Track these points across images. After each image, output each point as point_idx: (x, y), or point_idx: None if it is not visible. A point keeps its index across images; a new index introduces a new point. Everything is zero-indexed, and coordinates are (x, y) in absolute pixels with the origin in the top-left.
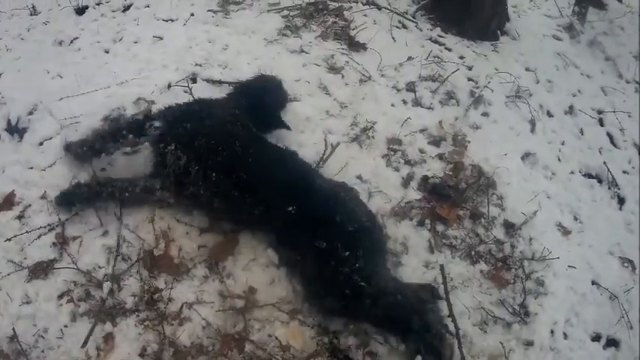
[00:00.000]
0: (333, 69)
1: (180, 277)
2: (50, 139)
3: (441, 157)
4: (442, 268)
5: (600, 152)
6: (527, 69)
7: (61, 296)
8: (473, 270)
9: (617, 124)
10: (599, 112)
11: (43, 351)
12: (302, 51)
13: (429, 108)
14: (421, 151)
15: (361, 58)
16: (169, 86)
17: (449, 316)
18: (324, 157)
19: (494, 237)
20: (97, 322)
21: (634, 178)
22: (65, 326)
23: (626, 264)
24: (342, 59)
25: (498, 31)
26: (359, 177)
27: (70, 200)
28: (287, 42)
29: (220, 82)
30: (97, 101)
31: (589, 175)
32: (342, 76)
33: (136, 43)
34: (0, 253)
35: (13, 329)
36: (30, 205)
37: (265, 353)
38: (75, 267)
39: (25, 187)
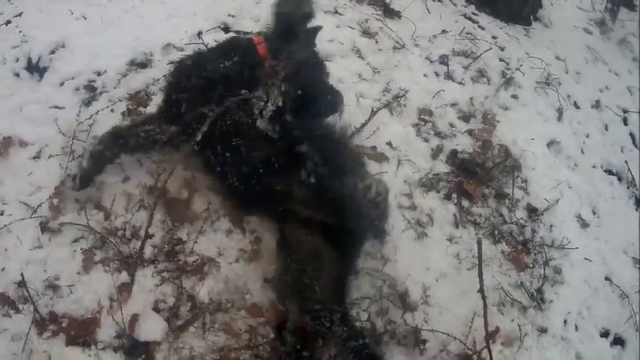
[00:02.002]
0: (367, 33)
1: (203, 229)
2: (72, 79)
3: (470, 133)
4: (479, 243)
5: (622, 151)
6: (557, 57)
7: (75, 241)
8: (495, 249)
9: None
10: (625, 111)
11: (51, 299)
12: (336, 12)
13: (461, 83)
14: (451, 124)
15: (395, 26)
16: (199, 34)
17: (478, 291)
18: (365, 122)
19: (517, 219)
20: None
21: None
22: (78, 273)
23: (638, 265)
24: (376, 24)
25: (531, 17)
26: (389, 143)
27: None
28: (321, 2)
29: (251, 34)
30: (123, 44)
31: (610, 172)
32: (376, 42)
33: None
34: (12, 195)
35: (22, 275)
36: (47, 145)
37: None
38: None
39: (43, 126)
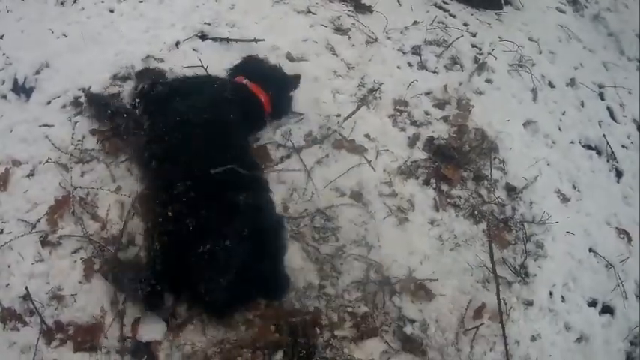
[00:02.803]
0: (340, 30)
1: None
2: (58, 97)
3: (445, 119)
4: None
5: (600, 125)
6: (530, 39)
7: (74, 252)
8: (476, 229)
9: (618, 100)
10: (600, 87)
11: (56, 309)
12: (309, 12)
13: (434, 72)
14: (426, 113)
15: (367, 21)
16: (177, 44)
17: (492, 272)
18: (348, 116)
19: (497, 199)
20: None
21: (632, 153)
22: (80, 282)
23: (622, 235)
24: (348, 21)
25: (502, 1)
26: (367, 135)
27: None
28: (293, 2)
29: (228, 41)
30: (105, 60)
31: (588, 147)
32: (349, 38)
33: (141, 2)
34: (11, 213)
35: (26, 288)
36: (40, 163)
37: None
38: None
39: (35, 145)
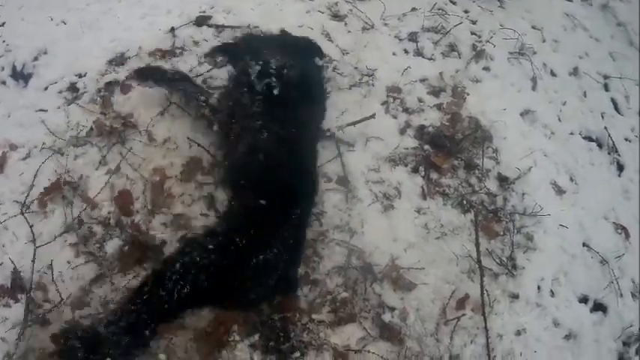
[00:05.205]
0: (337, 16)
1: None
2: (55, 83)
3: (439, 107)
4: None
5: (602, 117)
6: (533, 27)
7: (65, 232)
8: (464, 219)
9: (623, 91)
10: (605, 77)
11: (44, 286)
12: None
13: (431, 59)
14: (420, 100)
15: (365, 7)
16: (173, 31)
17: (477, 263)
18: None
19: (487, 188)
20: None
21: (635, 146)
22: (68, 262)
23: (619, 230)
24: (345, 7)
25: None
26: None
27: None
28: None
29: (223, 27)
30: (101, 46)
31: (589, 138)
32: (345, 24)
33: None
34: (6, 195)
35: (14, 267)
36: (36, 147)
37: None
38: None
39: (31, 129)
